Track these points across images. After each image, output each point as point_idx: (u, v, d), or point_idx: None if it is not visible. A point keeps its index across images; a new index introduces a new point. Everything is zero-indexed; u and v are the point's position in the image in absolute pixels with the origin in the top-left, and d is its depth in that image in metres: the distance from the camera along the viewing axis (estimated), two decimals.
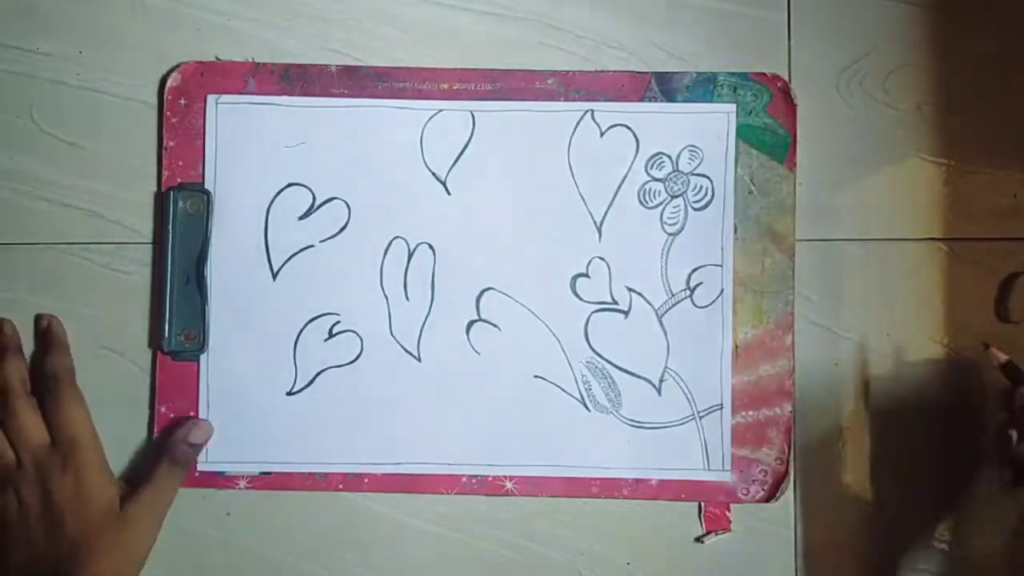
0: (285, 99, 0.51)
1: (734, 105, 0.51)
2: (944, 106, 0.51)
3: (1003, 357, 0.48)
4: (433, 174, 0.51)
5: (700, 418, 0.50)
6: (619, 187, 0.51)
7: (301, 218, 0.51)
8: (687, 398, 0.51)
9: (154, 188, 0.51)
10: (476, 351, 0.51)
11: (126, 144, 0.51)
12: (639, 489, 0.50)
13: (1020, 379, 0.47)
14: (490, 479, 0.51)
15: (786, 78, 0.51)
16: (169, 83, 0.51)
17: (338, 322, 0.51)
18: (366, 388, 0.51)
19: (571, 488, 0.51)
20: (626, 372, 0.51)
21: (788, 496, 0.51)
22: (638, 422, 0.51)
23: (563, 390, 0.51)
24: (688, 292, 0.51)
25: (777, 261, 0.51)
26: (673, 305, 0.51)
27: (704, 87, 0.51)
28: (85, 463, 0.47)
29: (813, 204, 0.51)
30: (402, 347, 0.51)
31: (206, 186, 0.51)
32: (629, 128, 0.51)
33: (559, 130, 0.51)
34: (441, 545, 0.51)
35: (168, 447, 0.49)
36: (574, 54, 0.52)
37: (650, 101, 0.51)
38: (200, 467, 0.50)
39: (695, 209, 0.51)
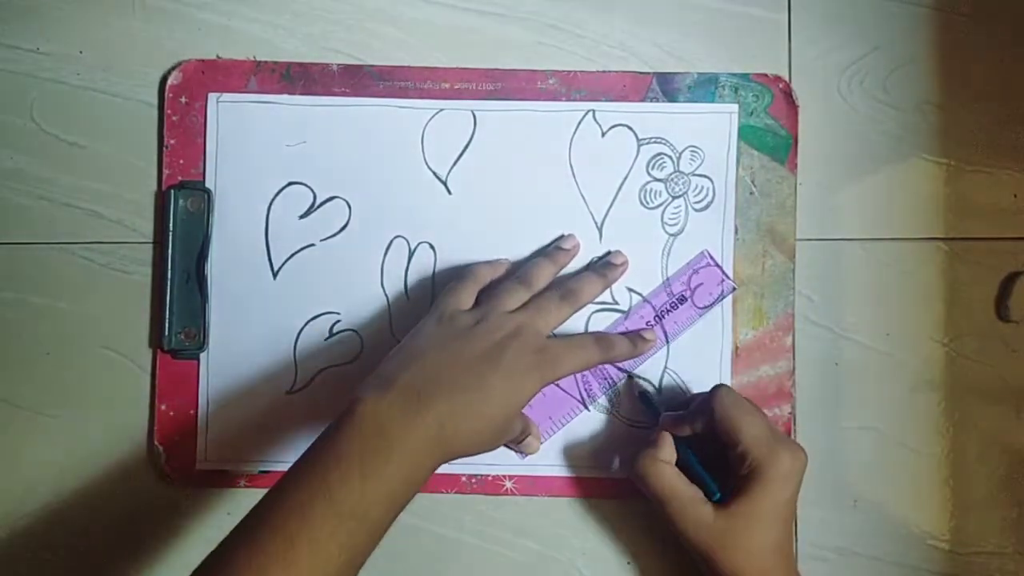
0: (286, 98, 0.51)
1: (736, 106, 0.51)
2: (944, 106, 0.51)
3: (638, 389, 0.50)
4: (434, 173, 0.51)
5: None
6: (620, 187, 0.51)
7: (302, 217, 0.51)
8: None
9: (154, 187, 0.51)
10: None
11: (126, 143, 0.51)
12: (639, 489, 0.50)
13: (652, 411, 0.49)
14: (490, 479, 0.51)
15: (787, 78, 0.51)
16: (170, 81, 0.51)
17: (338, 321, 0.51)
18: None
19: (571, 488, 0.51)
20: (626, 372, 0.51)
21: None
22: (638, 422, 0.51)
23: (563, 390, 0.51)
24: (688, 292, 0.51)
25: (778, 262, 0.51)
26: (673, 305, 0.51)
27: (706, 88, 0.51)
28: None
29: (813, 204, 0.51)
30: None
31: (207, 185, 0.51)
32: (630, 128, 0.51)
33: (560, 130, 0.51)
34: (441, 545, 0.51)
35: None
36: (575, 54, 0.52)
37: (652, 101, 0.51)
38: (200, 466, 0.50)
39: (696, 210, 0.51)
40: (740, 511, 0.44)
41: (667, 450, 0.46)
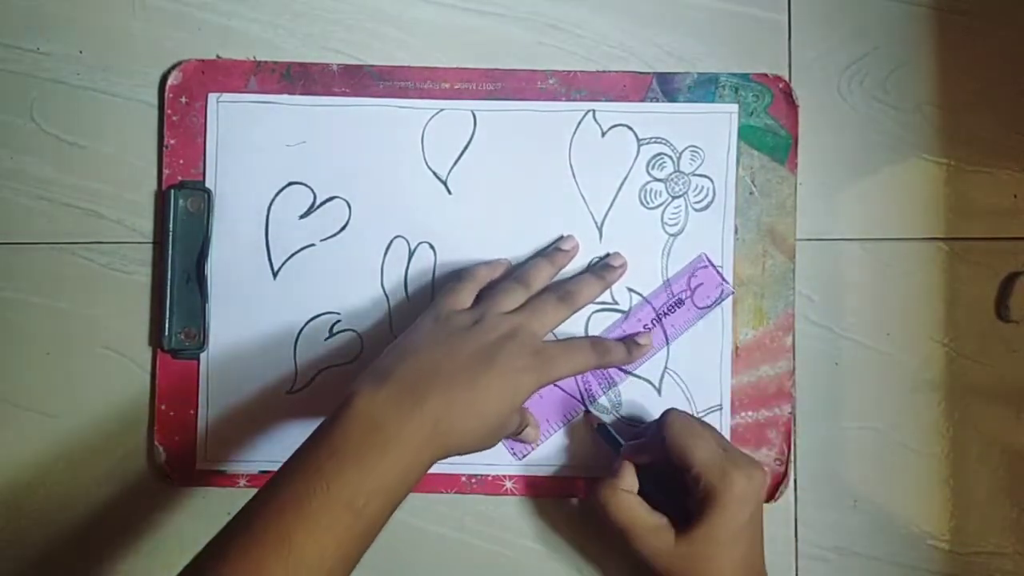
0: (286, 98, 0.51)
1: (736, 106, 0.51)
2: (944, 106, 0.51)
3: (596, 422, 0.50)
4: (434, 173, 0.51)
5: (700, 419, 0.50)
6: (620, 187, 0.51)
7: (302, 217, 0.51)
8: (687, 399, 0.51)
9: (155, 187, 0.51)
10: None
11: (126, 143, 0.51)
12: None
13: (613, 442, 0.49)
14: (489, 479, 0.51)
15: (787, 78, 0.51)
16: (170, 81, 0.51)
17: (338, 321, 0.51)
18: None
19: (571, 488, 0.51)
20: (626, 372, 0.51)
21: (788, 496, 0.51)
22: (638, 423, 0.51)
23: (563, 390, 0.51)
24: (688, 293, 0.51)
25: (778, 262, 0.51)
26: (673, 306, 0.51)
27: (706, 88, 0.51)
28: None
29: (813, 204, 0.51)
30: None
31: (207, 185, 0.51)
32: (630, 128, 0.51)
33: (560, 130, 0.51)
34: (441, 545, 0.51)
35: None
36: (575, 54, 0.52)
37: (652, 101, 0.51)
38: (200, 466, 0.50)
39: (696, 210, 0.51)
40: (699, 536, 0.43)
41: (628, 479, 0.46)
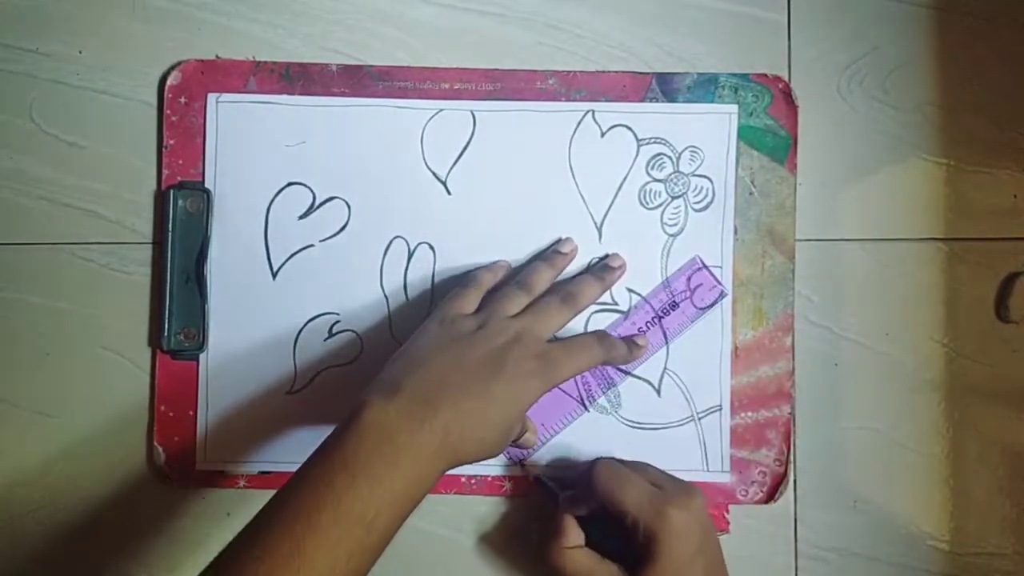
0: (285, 98, 0.51)
1: (735, 106, 0.51)
2: (944, 106, 0.51)
3: (532, 474, 0.50)
4: (433, 174, 0.51)
5: (699, 419, 0.50)
6: (619, 188, 0.51)
7: (301, 217, 0.51)
8: (686, 399, 0.51)
9: (154, 187, 0.51)
10: None
11: (126, 144, 0.51)
12: None
13: (551, 493, 0.49)
14: (489, 479, 0.51)
15: (786, 78, 0.51)
16: (169, 81, 0.51)
17: (338, 322, 0.51)
18: (366, 388, 0.51)
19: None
20: (625, 373, 0.51)
21: (788, 497, 0.51)
22: (637, 423, 0.51)
23: (562, 390, 0.51)
24: (688, 293, 0.51)
25: (777, 263, 0.51)
26: (673, 306, 0.51)
27: (705, 88, 0.51)
28: None
29: (813, 204, 0.51)
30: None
31: (206, 185, 0.51)
32: (630, 128, 0.51)
33: (560, 130, 0.51)
34: (440, 545, 0.51)
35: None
36: (574, 54, 0.52)
37: (651, 102, 0.51)
38: (200, 467, 0.51)
39: (695, 210, 0.51)
40: None
41: (572, 535, 0.46)
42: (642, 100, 0.51)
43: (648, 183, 0.51)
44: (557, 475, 0.50)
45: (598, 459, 0.47)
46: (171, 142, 0.51)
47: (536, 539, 0.49)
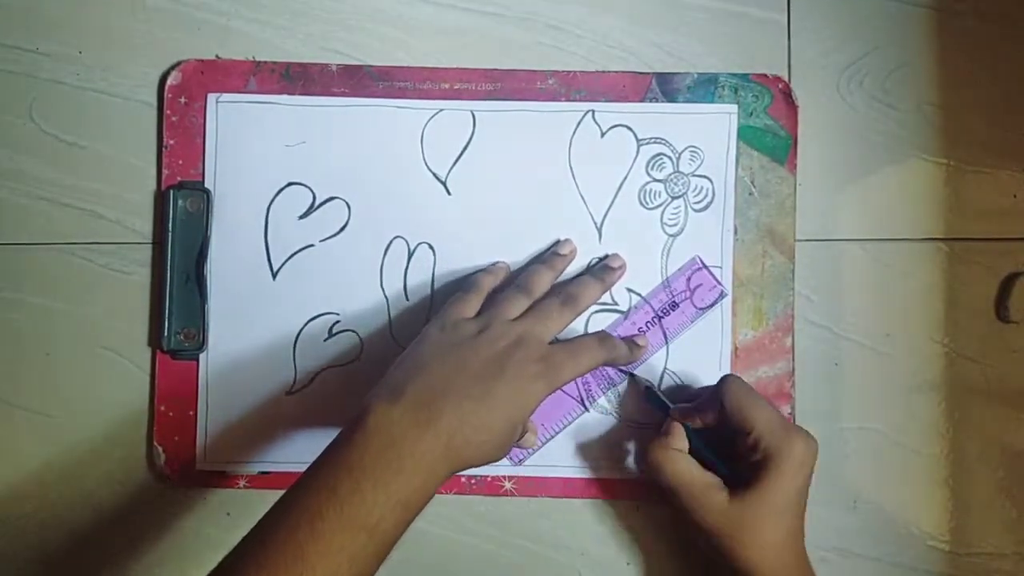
0: (285, 98, 0.51)
1: (735, 106, 0.51)
2: (944, 106, 0.51)
3: (644, 384, 0.50)
4: (433, 174, 0.51)
5: None
6: (619, 188, 0.51)
7: (301, 217, 0.51)
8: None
9: (154, 187, 0.51)
10: None
11: (126, 144, 0.51)
12: (639, 490, 0.50)
13: (661, 405, 0.49)
14: (489, 479, 0.51)
15: (786, 78, 0.51)
16: (169, 81, 0.51)
17: (338, 322, 0.51)
18: (366, 388, 0.50)
19: (570, 489, 0.51)
20: (625, 373, 0.51)
21: None
22: (638, 423, 0.51)
23: (562, 390, 0.51)
24: (688, 293, 0.51)
25: (777, 263, 0.51)
26: (673, 306, 0.51)
27: (705, 88, 0.51)
28: None
29: (813, 204, 0.51)
30: (402, 347, 0.50)
31: (206, 185, 0.51)
32: (630, 128, 0.51)
33: (560, 130, 0.51)
34: (441, 545, 0.51)
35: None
36: (574, 54, 0.52)
37: (651, 102, 0.51)
38: (200, 467, 0.50)
39: (695, 210, 0.51)
40: (754, 499, 0.44)
41: (679, 439, 0.47)
42: (642, 100, 0.51)
43: (648, 183, 0.51)
44: (667, 390, 0.51)
45: (729, 374, 0.47)
46: (171, 142, 0.51)
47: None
